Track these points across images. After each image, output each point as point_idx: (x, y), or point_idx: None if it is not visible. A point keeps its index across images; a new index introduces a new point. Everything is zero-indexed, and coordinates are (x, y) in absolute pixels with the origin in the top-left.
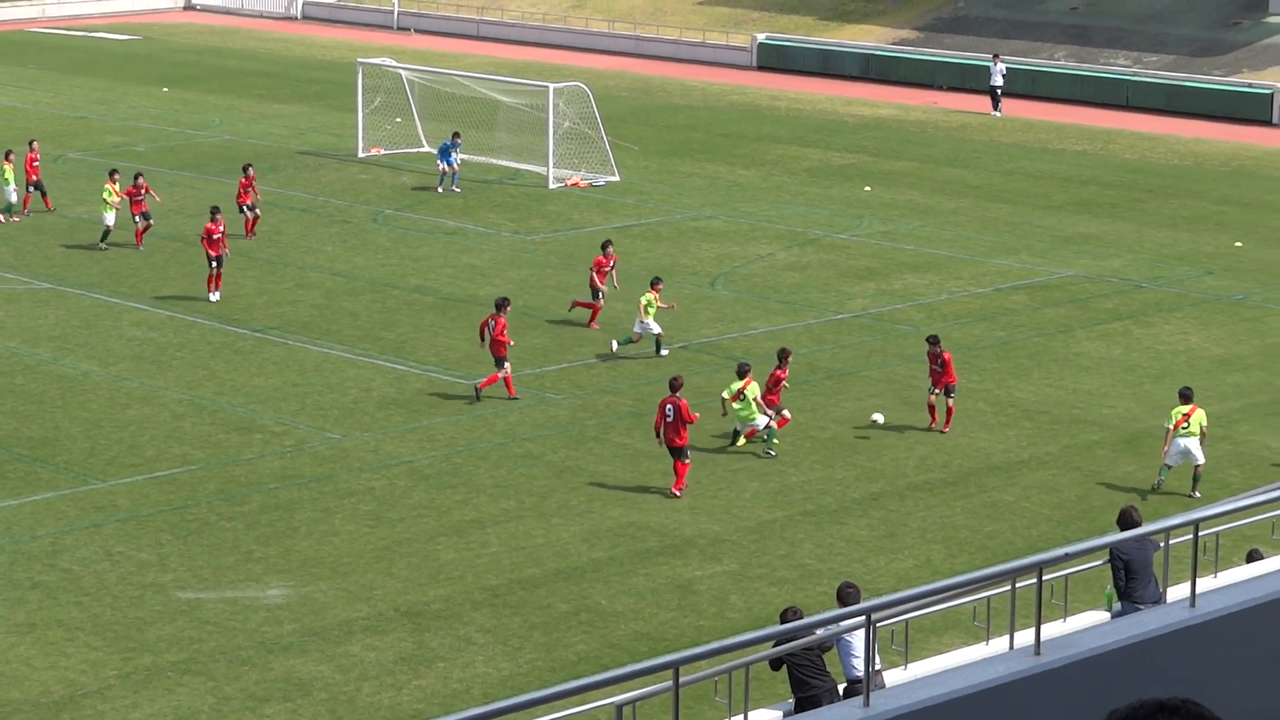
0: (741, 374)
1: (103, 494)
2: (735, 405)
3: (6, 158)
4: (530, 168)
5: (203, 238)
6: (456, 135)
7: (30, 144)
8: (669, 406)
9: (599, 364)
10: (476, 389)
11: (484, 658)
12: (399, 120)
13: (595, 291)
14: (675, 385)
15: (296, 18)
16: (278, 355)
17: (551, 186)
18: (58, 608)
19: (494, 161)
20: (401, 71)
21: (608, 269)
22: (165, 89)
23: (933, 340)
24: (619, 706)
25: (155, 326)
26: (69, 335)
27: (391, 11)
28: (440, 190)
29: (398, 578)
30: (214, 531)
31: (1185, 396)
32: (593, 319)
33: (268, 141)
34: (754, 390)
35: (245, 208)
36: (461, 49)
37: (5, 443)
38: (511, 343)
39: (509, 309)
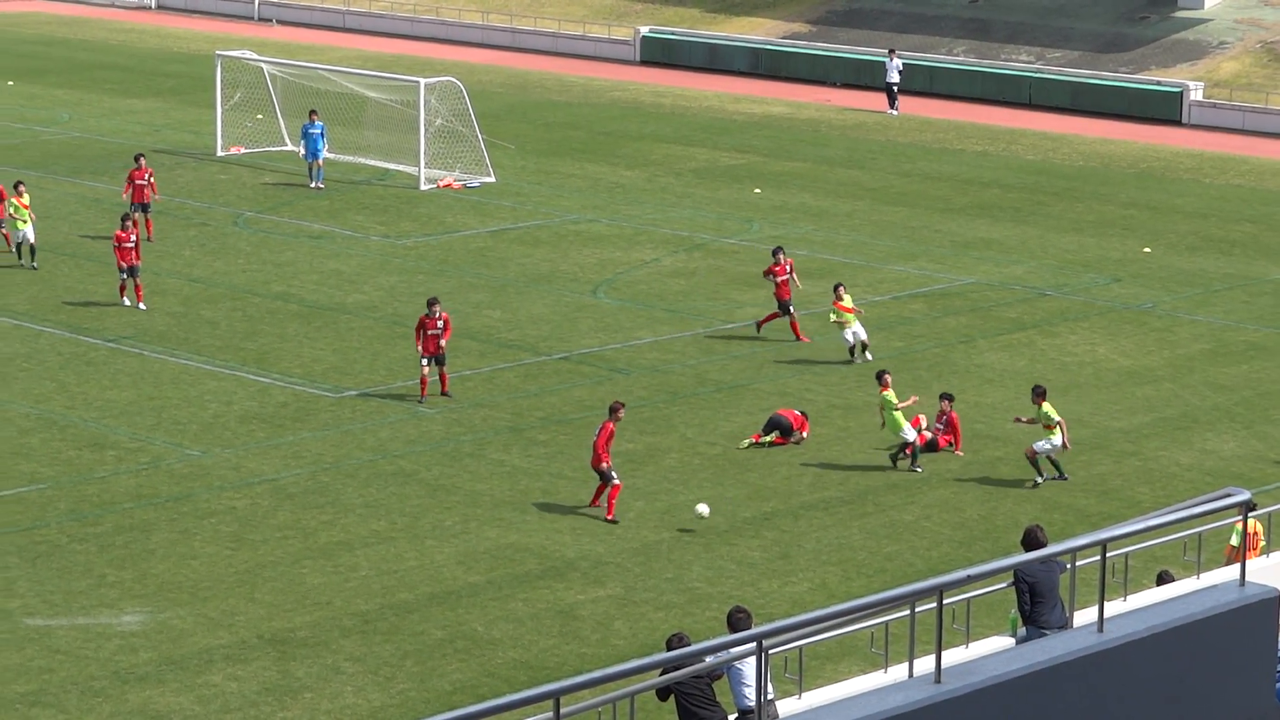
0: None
1: None
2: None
3: None
4: (400, 167)
5: (114, 246)
6: (314, 114)
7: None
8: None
9: (474, 375)
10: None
11: (354, 688)
12: (260, 117)
13: (784, 305)
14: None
15: (151, 7)
16: (132, 366)
17: (423, 188)
18: None
19: (362, 161)
20: (263, 65)
21: (787, 275)
22: (10, 82)
23: (946, 397)
24: None
25: (0, 335)
26: None
27: (252, 2)
28: (313, 186)
29: (261, 603)
30: (65, 554)
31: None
32: (796, 331)
33: (120, 139)
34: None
35: (139, 207)
36: (327, 41)
37: None
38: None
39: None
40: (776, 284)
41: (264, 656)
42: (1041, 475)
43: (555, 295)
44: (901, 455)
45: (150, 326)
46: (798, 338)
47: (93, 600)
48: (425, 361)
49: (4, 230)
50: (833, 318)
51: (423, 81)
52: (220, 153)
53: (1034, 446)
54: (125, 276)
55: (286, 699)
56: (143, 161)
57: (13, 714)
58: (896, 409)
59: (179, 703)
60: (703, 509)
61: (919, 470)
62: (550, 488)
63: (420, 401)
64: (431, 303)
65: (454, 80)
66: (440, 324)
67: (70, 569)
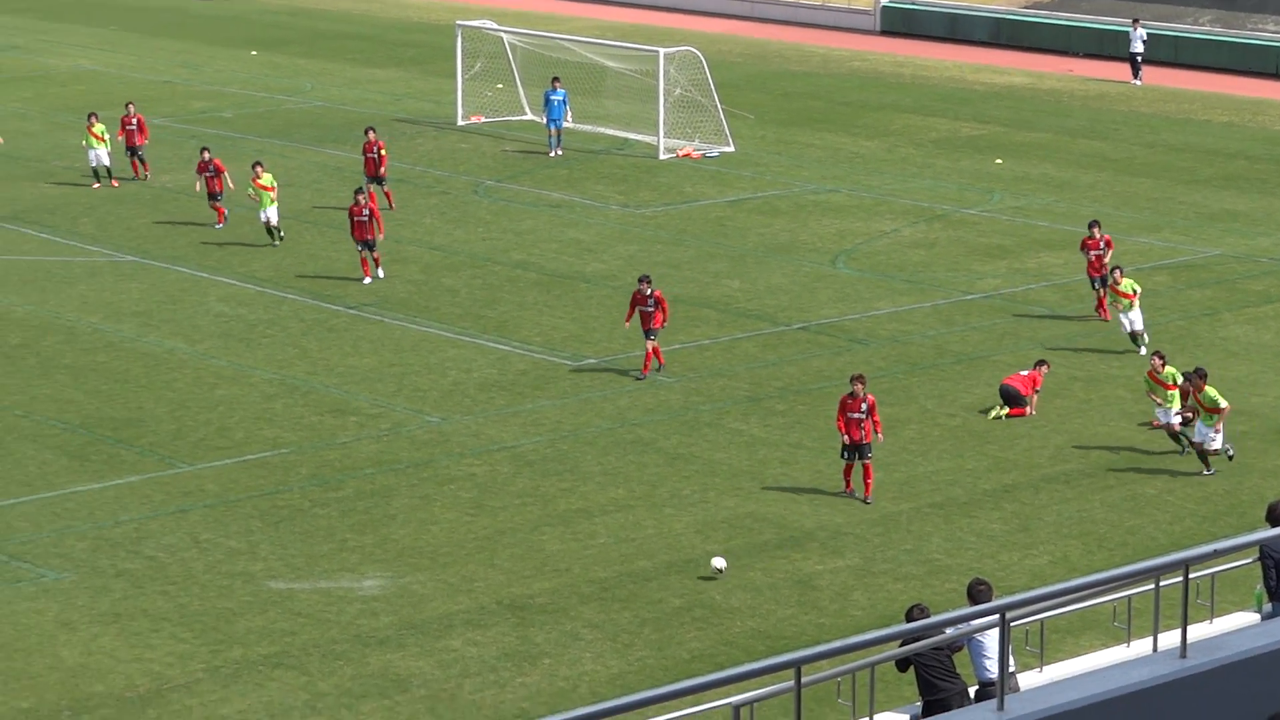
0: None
1: (189, 478)
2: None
3: (91, 121)
4: (640, 137)
5: (349, 219)
6: (557, 81)
7: (127, 106)
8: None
9: (712, 345)
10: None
11: (592, 654)
12: (500, 86)
13: (1099, 280)
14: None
15: None
16: (373, 334)
17: (662, 157)
18: (143, 597)
19: (601, 130)
20: (503, 35)
21: (1098, 250)
22: (254, 52)
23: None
24: (736, 707)
25: (244, 302)
26: (154, 311)
27: None
28: (552, 154)
29: (500, 569)
30: (307, 519)
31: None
32: (1102, 308)
33: (362, 108)
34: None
35: (372, 180)
36: (566, 11)
37: (88, 424)
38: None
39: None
40: (1089, 259)
41: (503, 622)
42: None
43: (794, 265)
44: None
45: (391, 294)
46: (1102, 316)
47: (334, 564)
48: (646, 335)
49: (218, 205)
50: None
51: (662, 51)
52: (461, 122)
53: (1163, 419)
54: (361, 250)
55: (525, 664)
56: (372, 134)
57: (256, 675)
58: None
59: (419, 666)
60: (718, 563)
61: (1184, 453)
62: (789, 458)
63: (640, 378)
64: (643, 280)
65: (693, 50)
66: (652, 302)
67: (312, 533)
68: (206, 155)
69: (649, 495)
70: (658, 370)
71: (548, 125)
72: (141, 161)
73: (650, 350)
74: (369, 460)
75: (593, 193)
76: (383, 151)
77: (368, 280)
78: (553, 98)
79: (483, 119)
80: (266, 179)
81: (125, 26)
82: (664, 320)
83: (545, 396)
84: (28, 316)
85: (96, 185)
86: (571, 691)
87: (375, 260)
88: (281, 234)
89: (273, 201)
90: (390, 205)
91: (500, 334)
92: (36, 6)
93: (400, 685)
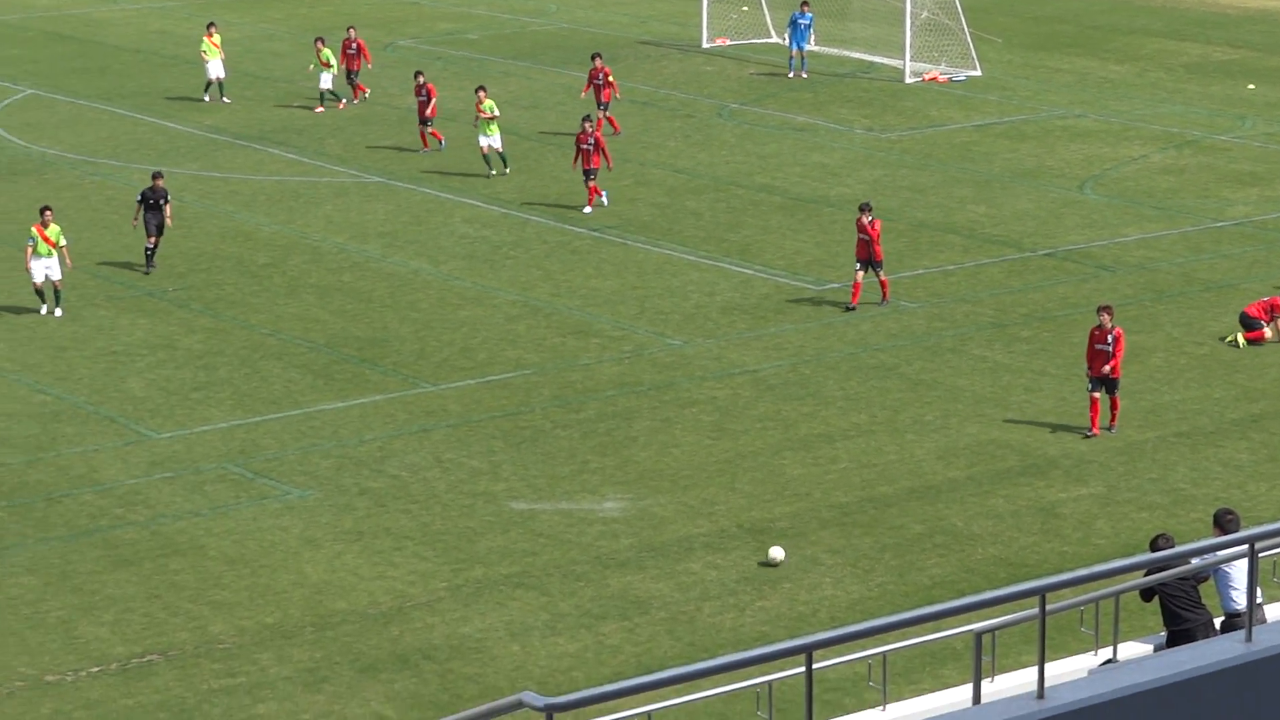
0: None
1: (432, 398)
2: None
3: (319, 44)
4: (885, 60)
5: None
6: (805, 4)
7: (348, 30)
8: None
9: (956, 270)
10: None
11: (832, 579)
12: (746, 9)
13: None
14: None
15: None
16: (616, 256)
17: (908, 81)
18: (386, 515)
19: (847, 54)
20: None
21: None
22: None
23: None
24: (979, 634)
25: (489, 224)
26: (399, 232)
27: None
28: (790, 75)
29: (741, 493)
30: (548, 440)
31: None
32: None
33: (607, 30)
34: None
35: (602, 106)
36: None
37: (333, 342)
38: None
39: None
40: None
41: (743, 546)
42: None
43: (1040, 191)
44: None
45: (634, 217)
46: None
47: (575, 486)
48: (858, 266)
49: (424, 130)
50: None
51: None
52: (705, 44)
53: None
54: (587, 178)
55: (765, 588)
56: (599, 61)
57: (498, 594)
58: None
59: (658, 589)
60: (776, 554)
61: None
62: (1033, 385)
63: (849, 308)
64: (863, 207)
65: None
66: (868, 234)
67: (554, 454)
68: (421, 79)
69: (891, 421)
70: (880, 303)
71: (790, 47)
72: (357, 86)
73: (859, 281)
74: (610, 382)
75: (837, 116)
76: (610, 78)
77: (588, 209)
78: (800, 21)
79: (727, 41)
80: (487, 105)
81: None
82: (881, 254)
83: (787, 320)
84: (275, 236)
85: (320, 109)
86: (811, 616)
87: (594, 190)
88: (506, 166)
89: (494, 129)
90: (616, 130)
91: (743, 257)
92: None
93: (640, 607)
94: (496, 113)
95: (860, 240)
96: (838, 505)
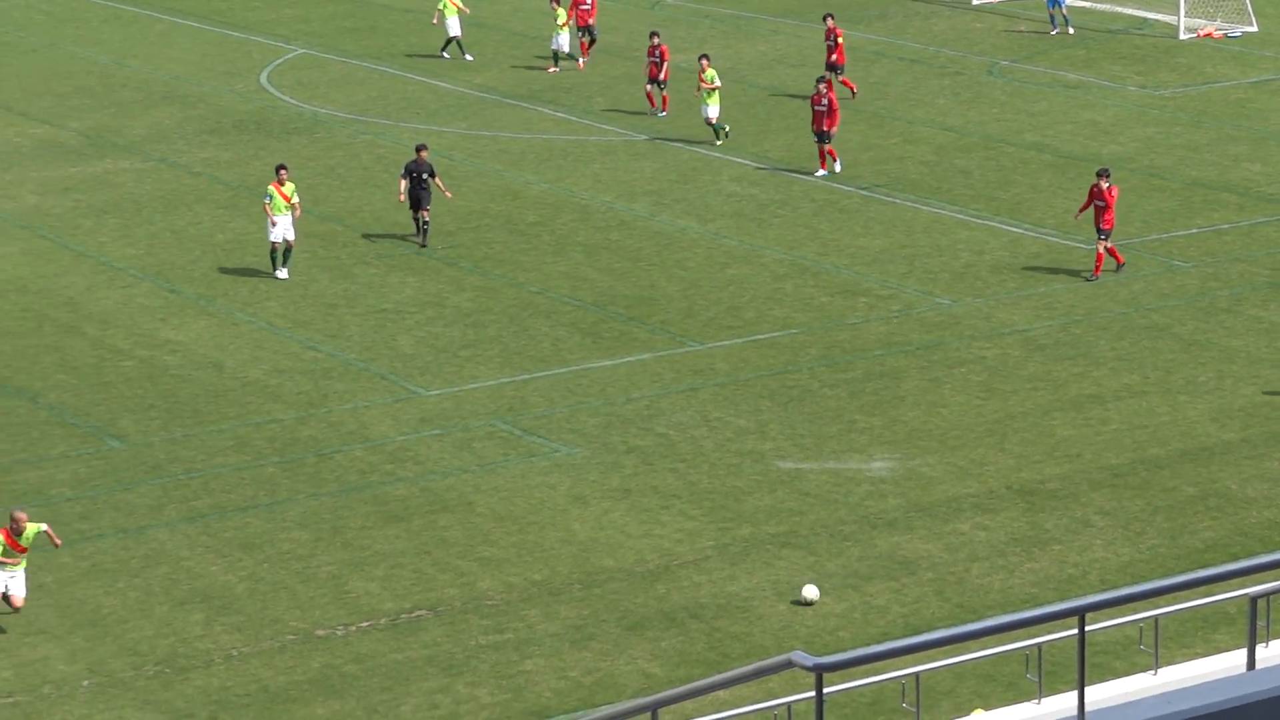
0: None
1: (700, 357)
2: None
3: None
4: (1159, 17)
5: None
6: None
7: None
8: None
9: (1231, 229)
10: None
11: (1103, 541)
12: None
13: None
14: None
15: None
16: (884, 215)
17: (1182, 37)
18: (653, 474)
19: (1120, 9)
20: None
21: None
22: None
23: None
24: (1254, 599)
25: (756, 183)
26: (666, 190)
27: None
28: (1054, 32)
29: (1010, 454)
30: (816, 399)
31: None
32: None
33: None
34: None
35: (834, 69)
36: None
37: (601, 301)
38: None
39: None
40: None
41: (1012, 507)
42: None
43: None
44: None
45: (903, 175)
46: None
47: (843, 445)
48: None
49: (651, 92)
50: None
51: None
52: (975, 1)
53: None
54: (818, 140)
55: (1034, 550)
56: (830, 21)
57: (764, 554)
58: None
59: (927, 549)
60: (810, 593)
61: None
62: None
63: (1090, 278)
64: (1101, 173)
65: None
66: (1104, 200)
67: (821, 414)
68: (655, 40)
69: (1163, 381)
70: (1115, 269)
71: (1049, 5)
72: (592, 41)
73: (1101, 251)
74: (878, 341)
75: (1109, 73)
76: (840, 39)
77: (820, 174)
78: None
79: None
80: (709, 75)
81: None
82: (1113, 221)
83: (1058, 280)
84: (543, 194)
85: (553, 69)
86: (1081, 578)
87: (827, 154)
88: (718, 139)
89: (714, 99)
90: (853, 92)
91: (1013, 216)
92: None
93: (907, 567)
94: (718, 83)
95: (1096, 207)
96: (1109, 467)
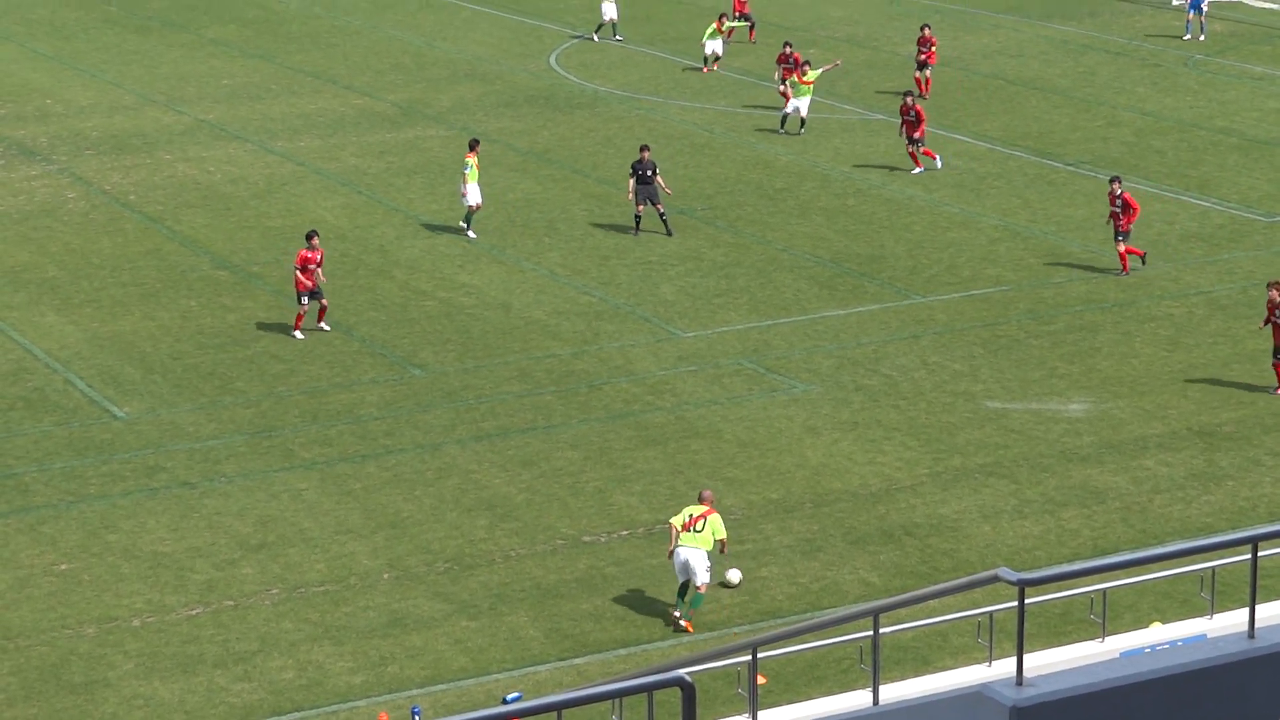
0: None
1: (922, 308)
2: None
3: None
4: None
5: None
6: None
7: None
8: None
9: None
10: None
11: (1272, 479)
12: None
13: None
14: None
15: None
16: (1088, 188)
17: None
18: (878, 409)
19: None
20: None
21: None
22: None
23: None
24: None
25: (976, 157)
26: (898, 162)
27: None
28: (1186, 37)
29: (1192, 400)
30: (1022, 348)
31: None
32: None
33: None
34: None
35: (926, 66)
36: None
37: (837, 258)
38: None
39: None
40: None
41: (1191, 446)
42: None
43: None
44: None
45: (1105, 153)
46: None
47: (1044, 389)
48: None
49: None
50: None
51: None
52: (1175, 2)
53: None
54: (910, 145)
55: (1210, 484)
56: (927, 31)
57: (972, 481)
58: None
59: (1115, 481)
60: (733, 576)
61: None
62: None
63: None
64: (1114, 180)
65: None
66: (1120, 205)
67: (1026, 361)
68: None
69: None
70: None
71: (1189, 11)
72: (752, 25)
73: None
74: (1078, 299)
75: None
76: (933, 47)
77: (917, 170)
78: None
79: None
80: (813, 74)
81: None
82: (1135, 217)
83: (1240, 249)
84: (790, 164)
85: (707, 70)
86: (1251, 510)
87: (922, 154)
88: (802, 128)
89: (808, 92)
90: (924, 92)
91: (1201, 192)
92: None
93: (1098, 496)
94: (813, 79)
95: (1113, 212)
96: (1279, 412)
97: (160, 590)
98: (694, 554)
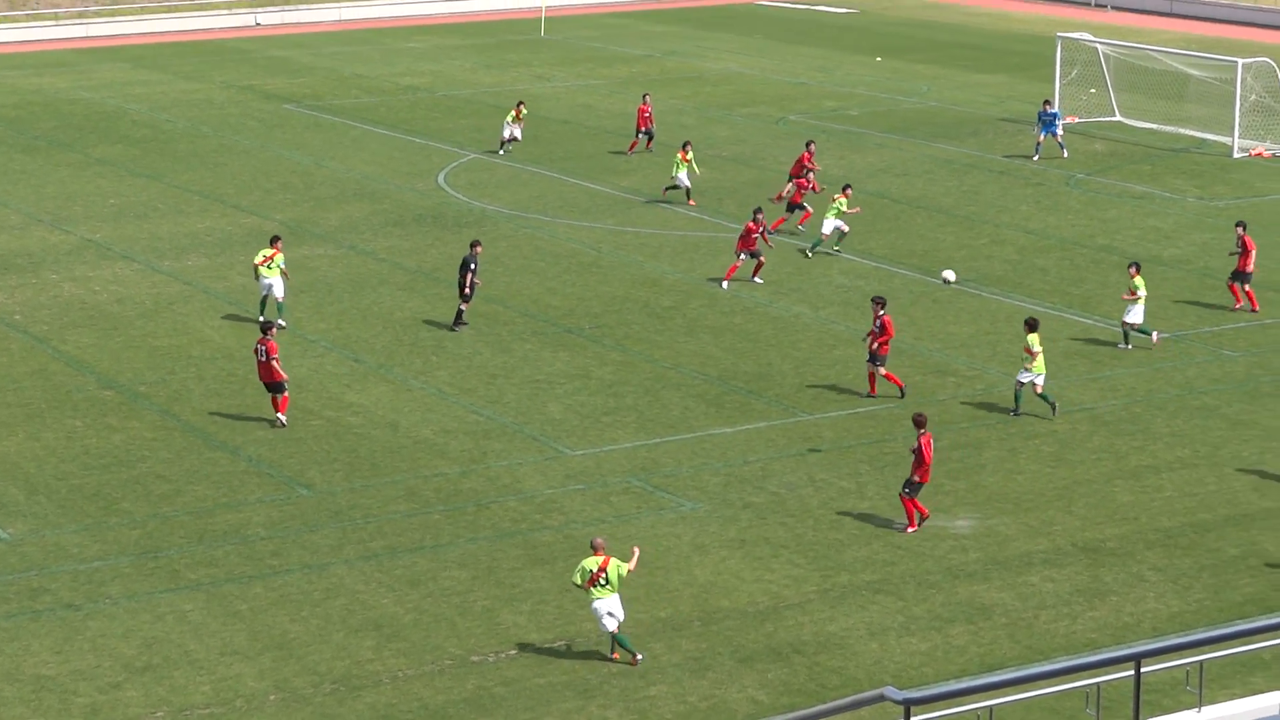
0: None
1: (809, 425)
2: None
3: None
4: (1216, 137)
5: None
6: (1048, 102)
7: (644, 97)
8: None
9: (1274, 323)
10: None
11: (1155, 594)
12: (1094, 91)
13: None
14: None
15: None
16: (972, 305)
17: (1235, 156)
18: (766, 526)
19: (1181, 131)
20: (1098, 46)
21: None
22: (879, 58)
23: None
24: None
25: (862, 275)
26: (784, 280)
27: None
28: (1035, 159)
29: (1076, 515)
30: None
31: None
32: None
33: (970, 108)
34: None
35: (794, 178)
36: (1154, 25)
37: (724, 376)
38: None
39: None
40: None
41: (1077, 562)
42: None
43: None
44: None
45: (989, 271)
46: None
47: (931, 505)
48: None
49: (810, 184)
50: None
51: (1240, 61)
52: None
53: (1018, 377)
54: (740, 257)
55: (1095, 600)
56: (812, 147)
57: (860, 598)
58: None
59: (1001, 598)
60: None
61: None
62: None
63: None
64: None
65: (1269, 60)
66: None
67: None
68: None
69: (1211, 456)
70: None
71: (1040, 134)
72: (650, 138)
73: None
74: (964, 415)
75: (1171, 186)
76: (811, 164)
77: (724, 286)
78: (1044, 116)
79: (1077, 119)
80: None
81: (769, 35)
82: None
83: (1122, 365)
84: (677, 283)
85: (691, 201)
86: (1135, 626)
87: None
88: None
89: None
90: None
91: (1084, 309)
92: (693, 18)
93: (984, 613)
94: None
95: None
96: (1162, 529)
97: (43, 714)
98: (608, 603)
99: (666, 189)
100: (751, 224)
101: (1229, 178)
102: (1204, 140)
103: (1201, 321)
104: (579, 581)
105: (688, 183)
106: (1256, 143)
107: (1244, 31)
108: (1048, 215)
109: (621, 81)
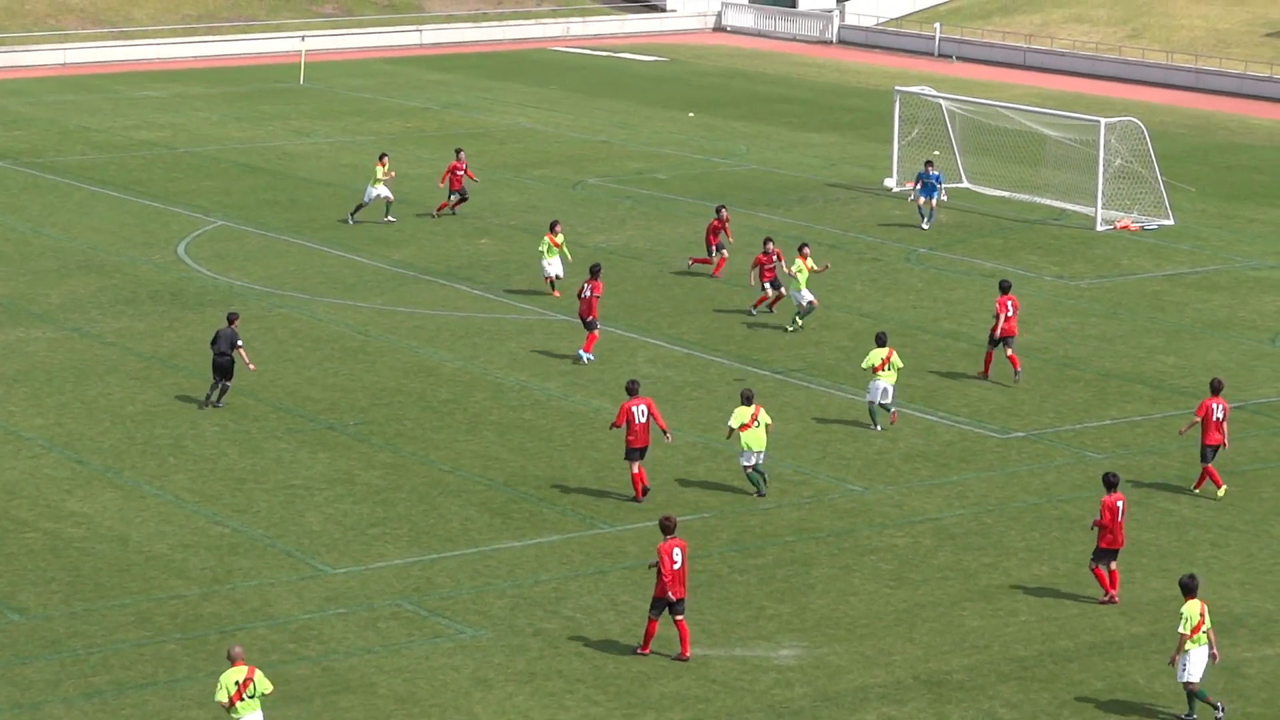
0: None
1: (610, 539)
2: None
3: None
4: (1077, 208)
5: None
6: (930, 164)
7: (457, 152)
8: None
9: (1144, 422)
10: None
11: None
12: (937, 153)
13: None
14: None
15: (832, 41)
16: (799, 399)
17: (1099, 228)
18: (559, 657)
19: (1038, 200)
20: (941, 101)
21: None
22: (691, 114)
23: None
24: None
25: (671, 364)
26: (581, 370)
27: (933, 37)
28: (924, 226)
29: (918, 643)
30: (725, 584)
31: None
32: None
33: (796, 172)
34: None
35: (715, 248)
36: (1005, 78)
37: (512, 481)
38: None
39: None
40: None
41: (919, 698)
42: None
43: (1231, 342)
44: None
45: (819, 360)
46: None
47: (751, 632)
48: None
49: (724, 255)
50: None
51: (1103, 121)
52: (895, 189)
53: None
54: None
55: None
56: (724, 212)
57: None
58: None
59: None
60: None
61: None
62: (1219, 540)
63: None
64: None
65: (1135, 120)
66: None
67: (730, 599)
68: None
69: (1074, 573)
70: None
71: (919, 197)
72: (461, 199)
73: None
74: (790, 528)
75: (1027, 263)
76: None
77: (754, 312)
78: (926, 179)
79: (918, 186)
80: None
81: (565, 86)
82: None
83: (971, 469)
84: (457, 372)
85: (556, 294)
86: None
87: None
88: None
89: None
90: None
91: (927, 404)
92: (477, 66)
93: None
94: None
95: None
96: (1017, 659)
97: None
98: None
99: (548, 279)
100: (762, 255)
101: (1091, 253)
102: (1063, 210)
103: (1061, 419)
104: (223, 699)
105: (558, 271)
106: (1122, 214)
107: (1107, 87)
108: (885, 296)
109: (393, 139)
